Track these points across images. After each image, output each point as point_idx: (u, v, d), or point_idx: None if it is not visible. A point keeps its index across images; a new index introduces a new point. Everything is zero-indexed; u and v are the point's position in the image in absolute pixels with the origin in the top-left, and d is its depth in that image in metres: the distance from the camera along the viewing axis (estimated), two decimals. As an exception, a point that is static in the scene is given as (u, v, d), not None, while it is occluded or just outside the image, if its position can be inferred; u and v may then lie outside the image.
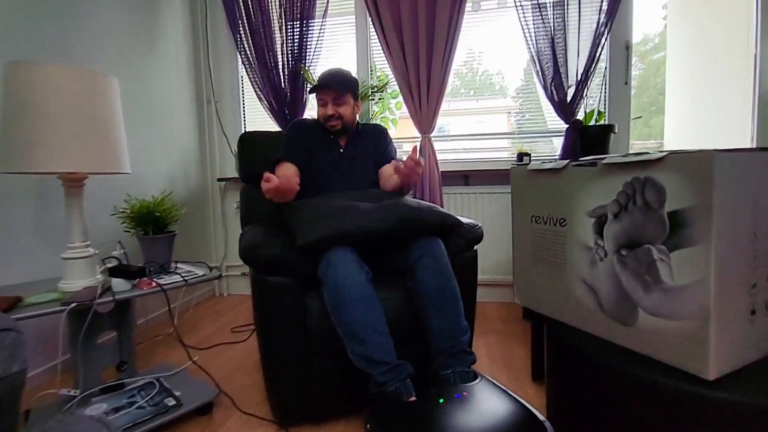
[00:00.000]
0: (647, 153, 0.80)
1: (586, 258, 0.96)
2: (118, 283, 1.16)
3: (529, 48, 2.05)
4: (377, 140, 1.55)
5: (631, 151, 2.20)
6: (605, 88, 2.13)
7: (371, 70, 2.40)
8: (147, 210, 1.34)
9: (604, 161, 0.88)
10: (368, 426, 0.98)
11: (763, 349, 0.78)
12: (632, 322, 0.85)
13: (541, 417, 0.90)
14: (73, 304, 1.03)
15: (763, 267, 0.75)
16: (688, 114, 2.20)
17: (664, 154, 0.75)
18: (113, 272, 1.19)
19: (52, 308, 1.01)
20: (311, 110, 2.33)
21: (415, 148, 1.21)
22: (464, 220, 1.32)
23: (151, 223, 1.35)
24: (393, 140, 1.62)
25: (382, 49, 2.16)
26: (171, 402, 1.16)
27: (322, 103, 1.44)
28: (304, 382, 1.13)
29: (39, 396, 1.31)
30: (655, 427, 0.75)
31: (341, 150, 1.49)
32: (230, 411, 1.25)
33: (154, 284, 1.18)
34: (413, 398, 0.98)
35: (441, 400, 0.94)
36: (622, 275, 0.86)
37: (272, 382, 1.16)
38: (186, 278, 1.25)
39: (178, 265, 1.41)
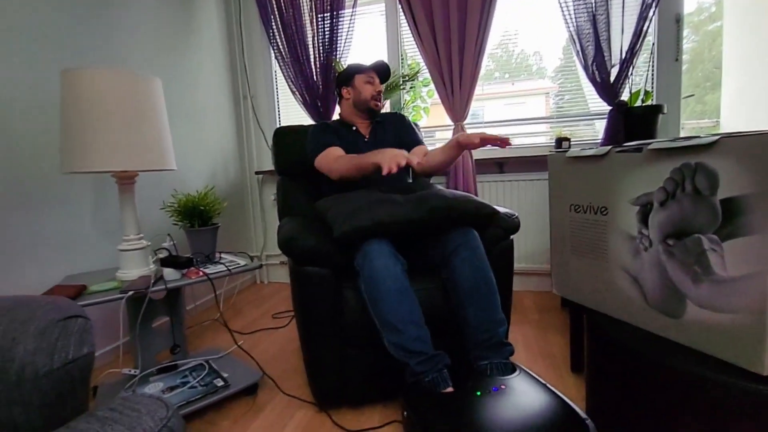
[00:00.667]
0: (697, 137, 0.75)
1: (629, 248, 0.92)
2: (169, 273, 1.24)
3: (568, 26, 1.95)
4: (399, 126, 1.63)
5: (682, 132, 2.06)
6: (653, 66, 1.99)
7: (402, 59, 2.37)
8: (192, 204, 1.42)
9: (650, 146, 0.84)
10: (405, 414, 1.00)
11: (829, 345, 0.73)
12: (679, 314, 0.81)
13: (583, 414, 0.87)
14: (131, 292, 1.12)
15: (830, 257, 0.69)
16: (746, 90, 2.02)
17: (717, 137, 0.71)
18: (164, 262, 1.27)
19: (113, 296, 1.11)
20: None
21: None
22: (500, 209, 1.30)
23: (197, 216, 1.43)
24: (424, 129, 1.62)
25: (413, 36, 2.13)
26: (220, 383, 1.25)
27: (371, 81, 1.53)
28: (342, 369, 1.17)
29: (105, 374, 1.44)
30: (702, 423, 0.72)
31: (365, 139, 1.55)
32: (273, 392, 1.32)
33: (201, 273, 1.26)
34: (450, 389, 0.99)
35: (478, 393, 0.93)
36: (669, 266, 0.83)
37: (311, 367, 1.21)
38: (230, 268, 1.32)
39: (222, 255, 1.50)
